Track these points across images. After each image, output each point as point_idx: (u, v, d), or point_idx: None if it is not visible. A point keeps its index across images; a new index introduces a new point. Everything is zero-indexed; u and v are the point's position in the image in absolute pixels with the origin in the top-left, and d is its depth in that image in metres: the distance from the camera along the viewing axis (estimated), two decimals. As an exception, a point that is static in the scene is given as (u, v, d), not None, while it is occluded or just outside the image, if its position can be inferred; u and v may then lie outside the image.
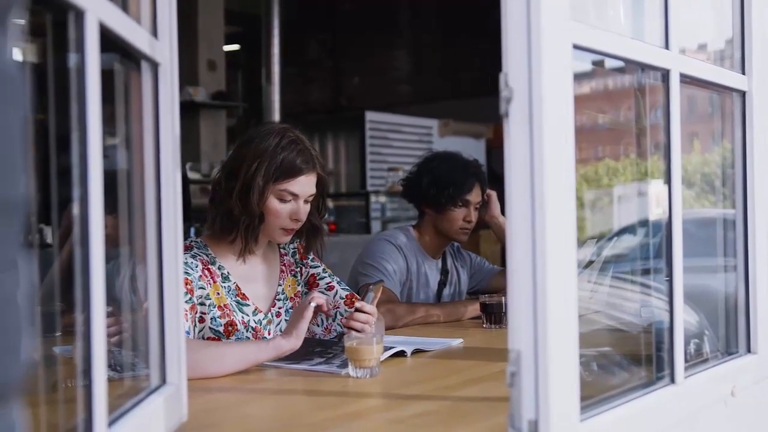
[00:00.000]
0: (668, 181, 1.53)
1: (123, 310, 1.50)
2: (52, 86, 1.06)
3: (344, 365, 1.91)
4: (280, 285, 2.35)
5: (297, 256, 2.42)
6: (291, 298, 2.36)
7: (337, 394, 1.74)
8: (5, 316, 0.55)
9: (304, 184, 2.20)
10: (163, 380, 1.38)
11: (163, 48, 1.37)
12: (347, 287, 2.41)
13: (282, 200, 2.19)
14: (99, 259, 1.02)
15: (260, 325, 2.25)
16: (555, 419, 1.16)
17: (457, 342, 2.35)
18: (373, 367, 1.85)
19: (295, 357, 2.02)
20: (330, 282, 2.40)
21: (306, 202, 2.23)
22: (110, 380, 1.09)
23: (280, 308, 2.33)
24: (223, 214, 2.19)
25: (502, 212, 3.13)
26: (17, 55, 0.59)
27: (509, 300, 1.19)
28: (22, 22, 0.61)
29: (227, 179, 2.20)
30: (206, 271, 2.17)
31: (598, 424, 1.29)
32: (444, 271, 3.15)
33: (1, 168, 0.55)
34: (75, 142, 1.01)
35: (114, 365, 1.35)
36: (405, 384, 1.87)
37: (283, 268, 2.37)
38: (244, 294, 2.24)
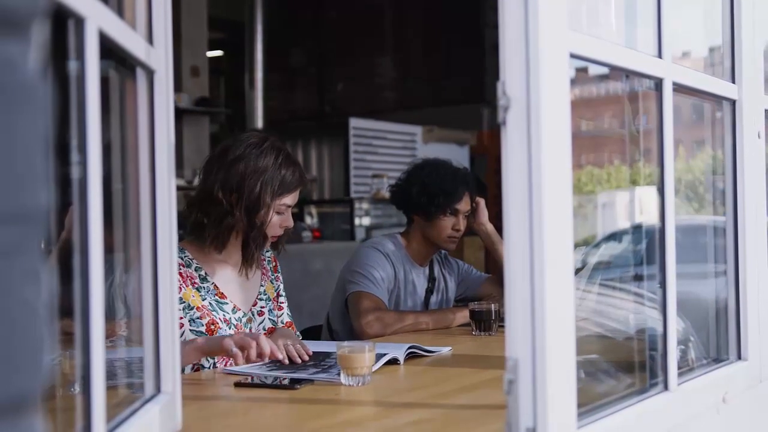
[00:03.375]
0: (661, 188, 1.53)
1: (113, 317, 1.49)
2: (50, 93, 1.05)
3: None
4: (262, 285, 2.43)
5: (271, 266, 2.51)
6: (273, 299, 2.45)
7: (330, 402, 1.74)
8: (28, 326, 0.55)
9: (296, 195, 2.33)
10: (158, 389, 1.37)
11: (158, 55, 1.36)
12: (290, 315, 2.49)
13: (278, 213, 2.29)
14: (98, 267, 1.01)
15: (240, 322, 2.31)
16: (553, 427, 1.16)
17: (446, 350, 2.35)
18: (365, 375, 1.85)
19: (289, 368, 2.02)
20: (283, 302, 2.51)
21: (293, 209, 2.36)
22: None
23: (262, 307, 2.40)
24: (227, 229, 2.26)
25: (489, 219, 3.14)
26: (39, 64, 0.59)
27: (507, 307, 1.19)
28: (45, 30, 0.60)
29: (224, 194, 2.23)
30: (178, 276, 2.19)
31: (595, 431, 1.29)
32: (431, 279, 3.15)
33: (26, 178, 0.55)
34: (74, 150, 1.01)
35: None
36: (398, 392, 1.87)
37: (264, 270, 2.46)
38: (222, 293, 2.30)
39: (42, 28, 0.60)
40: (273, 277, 2.49)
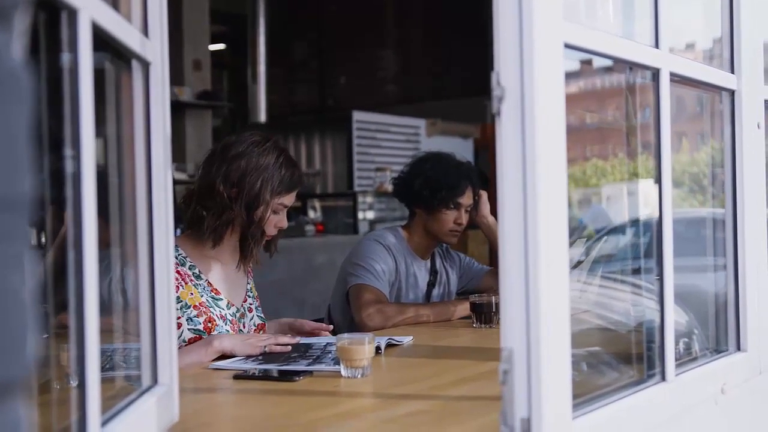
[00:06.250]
0: (658, 180, 1.53)
1: (112, 312, 1.49)
2: (42, 86, 1.05)
3: (338, 362, 1.90)
4: (249, 284, 2.47)
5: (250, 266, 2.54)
6: (256, 297, 2.49)
7: (329, 394, 1.74)
8: (11, 313, 0.55)
9: (294, 197, 2.36)
10: (155, 380, 1.37)
11: (154, 47, 1.36)
12: (263, 316, 2.49)
13: (275, 212, 2.32)
14: (92, 260, 1.01)
15: (235, 317, 2.34)
16: (548, 417, 1.16)
17: (407, 339, 2.37)
18: (364, 367, 1.85)
19: (278, 360, 2.02)
20: (257, 305, 2.51)
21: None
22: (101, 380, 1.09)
23: (250, 304, 2.44)
24: (225, 223, 2.28)
25: (492, 212, 3.14)
26: (21, 54, 0.59)
27: (502, 298, 1.19)
28: (28, 20, 0.61)
29: (225, 188, 2.25)
30: (176, 274, 2.21)
31: (591, 421, 1.29)
32: (433, 272, 3.15)
33: (8, 166, 0.55)
34: (67, 143, 1.01)
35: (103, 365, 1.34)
36: (396, 384, 1.87)
37: (249, 270, 2.49)
38: (216, 289, 2.32)
39: (24, 17, 0.60)
40: (252, 278, 2.53)
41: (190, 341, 2.19)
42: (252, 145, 2.29)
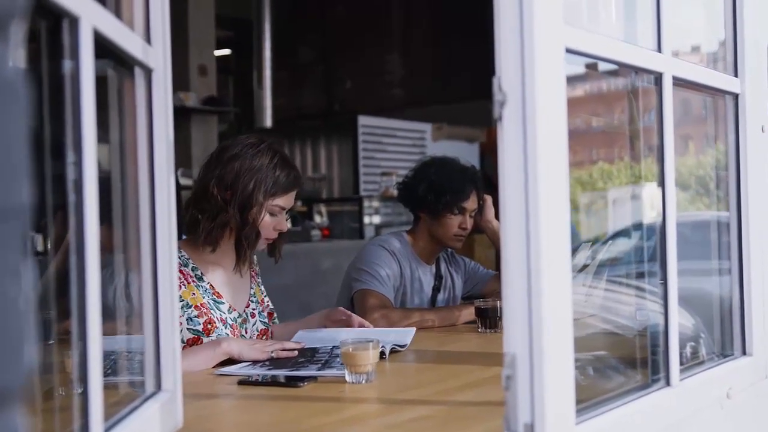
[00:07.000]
0: (662, 183, 1.53)
1: (117, 318, 1.50)
2: (45, 93, 1.05)
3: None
4: (252, 288, 2.46)
5: (257, 271, 2.55)
6: (260, 302, 2.48)
7: (334, 400, 1.74)
8: (8, 322, 0.56)
9: (292, 198, 2.36)
10: (159, 387, 1.37)
11: (156, 54, 1.36)
12: (266, 321, 2.49)
13: (272, 214, 2.31)
14: (94, 267, 1.01)
15: (236, 323, 2.34)
16: (551, 422, 1.16)
17: (410, 332, 2.38)
18: (369, 372, 1.85)
19: (285, 366, 2.02)
20: (260, 309, 2.49)
21: (288, 213, 2.38)
22: (104, 386, 1.09)
23: (253, 309, 2.44)
24: (220, 226, 2.27)
25: (497, 217, 3.14)
26: (19, 62, 0.59)
27: (504, 303, 1.19)
28: (24, 29, 0.61)
29: (219, 190, 2.26)
30: (179, 273, 2.21)
31: (594, 426, 1.29)
32: (438, 277, 3.14)
33: (5, 175, 0.55)
34: (69, 149, 1.01)
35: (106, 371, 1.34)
36: (401, 389, 1.87)
37: (253, 274, 2.49)
38: (218, 293, 2.33)
39: (21, 26, 0.60)
40: (259, 281, 2.53)
41: (189, 342, 2.20)
42: (246, 147, 2.30)
